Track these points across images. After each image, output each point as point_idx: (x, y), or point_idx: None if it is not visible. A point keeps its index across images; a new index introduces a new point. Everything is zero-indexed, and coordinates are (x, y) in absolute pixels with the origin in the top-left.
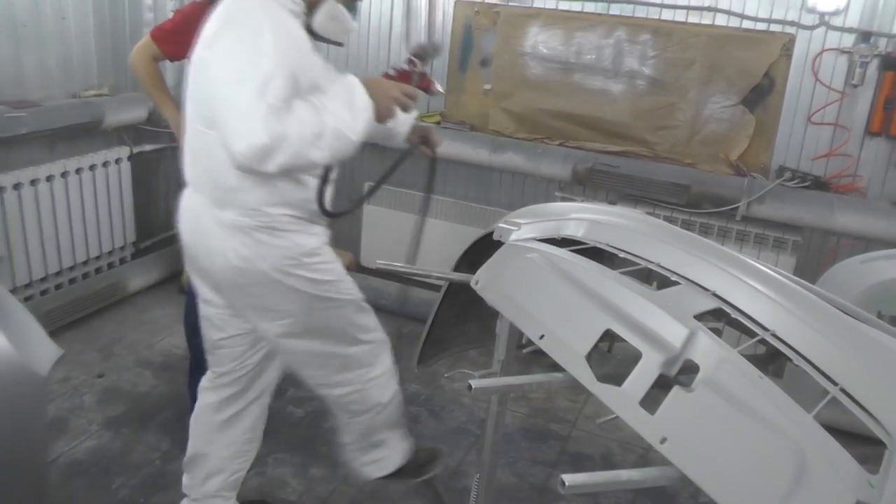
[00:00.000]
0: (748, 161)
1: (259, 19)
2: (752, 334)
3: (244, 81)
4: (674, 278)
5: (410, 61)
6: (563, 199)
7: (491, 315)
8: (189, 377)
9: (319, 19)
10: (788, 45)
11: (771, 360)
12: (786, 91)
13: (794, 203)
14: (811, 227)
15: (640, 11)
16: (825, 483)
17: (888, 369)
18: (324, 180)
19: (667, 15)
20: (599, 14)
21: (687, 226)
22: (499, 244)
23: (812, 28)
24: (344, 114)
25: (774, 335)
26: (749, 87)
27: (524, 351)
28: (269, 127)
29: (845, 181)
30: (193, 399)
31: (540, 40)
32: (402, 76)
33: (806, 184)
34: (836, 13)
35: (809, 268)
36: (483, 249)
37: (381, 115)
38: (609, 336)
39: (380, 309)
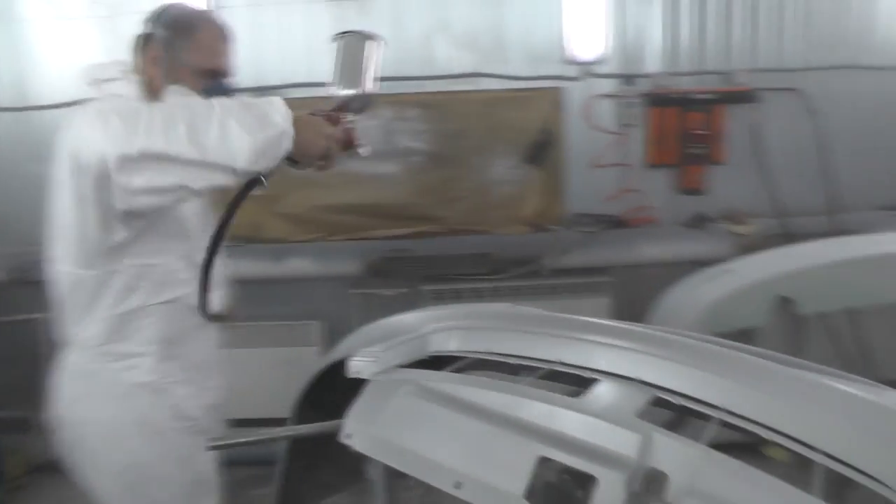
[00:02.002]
0: (544, 216)
1: None
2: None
3: None
4: (587, 375)
5: (338, 109)
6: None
7: (348, 454)
8: None
9: None
10: (557, 98)
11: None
12: (566, 142)
13: (599, 246)
14: (620, 264)
15: (403, 87)
16: None
17: (864, 419)
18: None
19: (432, 87)
20: None
21: (495, 292)
22: (355, 380)
23: (577, 79)
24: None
25: (730, 412)
26: (528, 145)
27: None
28: None
29: (640, 215)
30: None
31: None
32: (332, 119)
33: (605, 225)
34: (595, 62)
35: (625, 304)
36: (327, 384)
37: (312, 150)
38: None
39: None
